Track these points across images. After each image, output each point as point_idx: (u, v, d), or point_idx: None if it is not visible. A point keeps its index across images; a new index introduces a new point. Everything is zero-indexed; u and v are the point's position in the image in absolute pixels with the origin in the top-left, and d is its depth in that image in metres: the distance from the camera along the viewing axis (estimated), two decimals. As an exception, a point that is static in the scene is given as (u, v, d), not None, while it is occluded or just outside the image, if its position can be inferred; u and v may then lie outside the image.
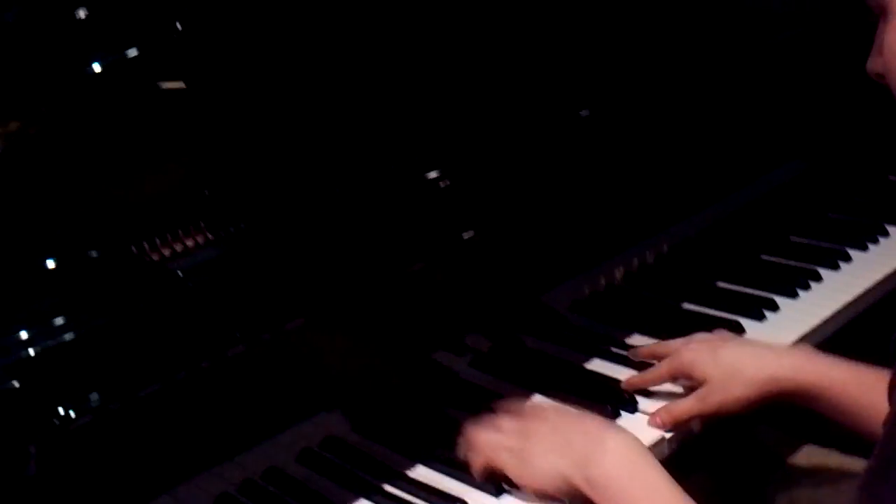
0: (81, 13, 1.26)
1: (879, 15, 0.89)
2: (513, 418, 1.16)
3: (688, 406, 1.22)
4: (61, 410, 0.99)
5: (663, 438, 1.20)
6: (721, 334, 1.31)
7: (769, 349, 1.26)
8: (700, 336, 1.29)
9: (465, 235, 1.28)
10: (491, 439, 1.14)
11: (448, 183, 1.30)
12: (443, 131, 1.35)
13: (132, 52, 1.24)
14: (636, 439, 1.10)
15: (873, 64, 0.90)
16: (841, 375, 1.19)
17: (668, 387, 1.27)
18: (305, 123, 1.27)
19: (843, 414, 1.18)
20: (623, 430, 1.12)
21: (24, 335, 1.02)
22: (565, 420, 1.14)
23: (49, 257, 1.10)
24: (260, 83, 1.26)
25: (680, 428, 1.22)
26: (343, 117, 1.30)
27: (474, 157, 1.34)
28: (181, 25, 1.23)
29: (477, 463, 1.14)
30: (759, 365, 1.20)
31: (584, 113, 1.44)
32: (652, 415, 1.23)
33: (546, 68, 1.48)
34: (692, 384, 1.24)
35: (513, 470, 1.11)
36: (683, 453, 1.23)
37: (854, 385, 1.17)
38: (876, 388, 1.15)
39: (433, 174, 1.29)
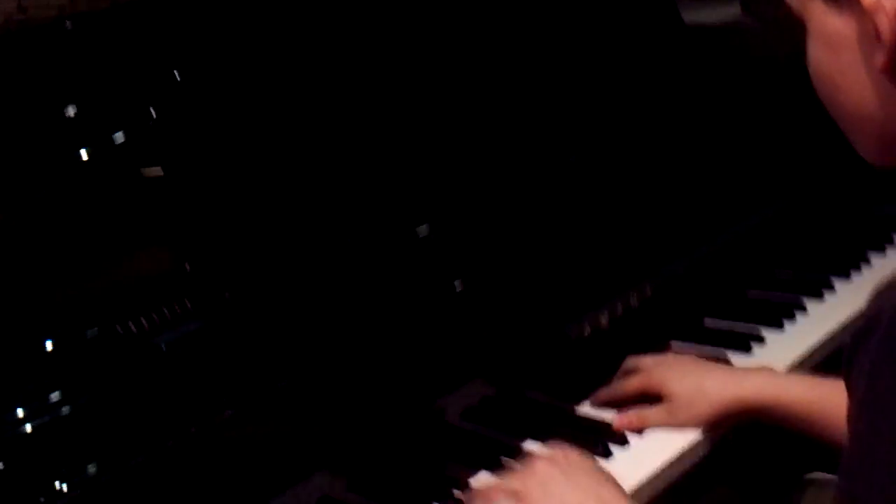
0: (70, 111, 1.32)
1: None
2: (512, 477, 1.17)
3: (657, 417, 1.29)
4: (55, 485, 1.00)
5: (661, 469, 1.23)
6: (690, 356, 1.38)
7: (732, 371, 1.35)
8: (670, 356, 1.39)
9: (456, 286, 1.32)
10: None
11: (435, 235, 1.34)
12: (432, 185, 1.39)
13: (112, 140, 1.28)
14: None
15: None
16: (800, 390, 1.26)
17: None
18: (278, 199, 1.30)
19: (809, 426, 1.24)
20: (616, 487, 1.13)
21: (12, 416, 1.04)
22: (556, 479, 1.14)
23: (33, 342, 1.12)
24: (229, 170, 1.29)
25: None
26: (316, 189, 1.33)
27: (462, 210, 1.38)
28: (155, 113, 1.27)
29: None
30: (722, 386, 1.29)
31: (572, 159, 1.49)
32: (620, 415, 1.30)
33: (531, 118, 1.52)
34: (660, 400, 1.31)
35: None
36: (706, 466, 1.28)
37: (814, 397, 1.24)
38: (833, 396, 1.20)
39: (423, 228, 1.34)
